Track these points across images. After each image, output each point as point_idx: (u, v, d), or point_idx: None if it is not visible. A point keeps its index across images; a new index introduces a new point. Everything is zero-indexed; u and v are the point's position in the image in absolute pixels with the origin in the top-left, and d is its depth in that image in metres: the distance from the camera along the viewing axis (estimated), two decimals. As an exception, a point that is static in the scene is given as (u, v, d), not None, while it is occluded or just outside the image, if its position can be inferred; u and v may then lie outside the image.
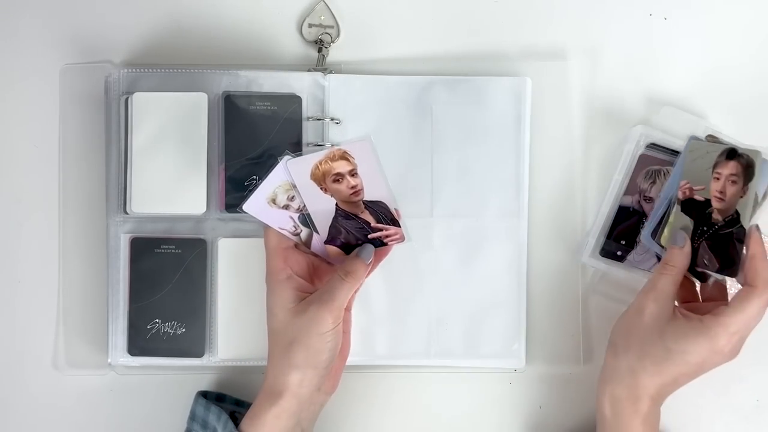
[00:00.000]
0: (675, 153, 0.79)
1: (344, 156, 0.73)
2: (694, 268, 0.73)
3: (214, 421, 0.76)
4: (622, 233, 0.80)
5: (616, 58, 0.84)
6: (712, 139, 0.74)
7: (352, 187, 0.74)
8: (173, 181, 0.79)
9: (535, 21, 0.84)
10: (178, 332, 0.80)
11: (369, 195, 0.74)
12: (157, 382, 0.83)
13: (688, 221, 0.73)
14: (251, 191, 0.73)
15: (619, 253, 0.80)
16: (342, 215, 0.74)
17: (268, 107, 0.80)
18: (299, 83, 0.81)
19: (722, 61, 0.84)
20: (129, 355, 0.80)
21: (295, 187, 0.73)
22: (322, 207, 0.74)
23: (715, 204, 0.72)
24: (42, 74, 0.83)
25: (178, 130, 0.80)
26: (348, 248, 0.75)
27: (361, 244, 0.74)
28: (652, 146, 0.80)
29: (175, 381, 0.83)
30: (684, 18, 0.85)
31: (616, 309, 0.83)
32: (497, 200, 0.81)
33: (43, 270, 0.83)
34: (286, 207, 0.74)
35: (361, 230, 0.74)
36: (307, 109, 0.81)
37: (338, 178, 0.73)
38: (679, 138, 0.80)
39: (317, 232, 0.74)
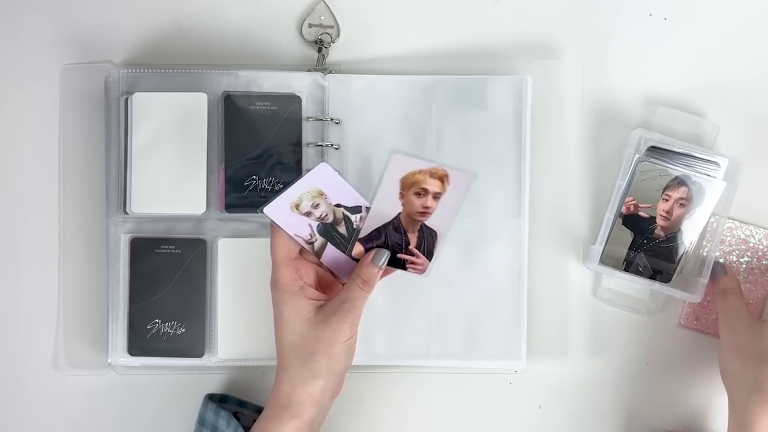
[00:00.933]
0: (676, 154, 0.79)
1: (443, 178, 0.72)
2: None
3: (224, 427, 0.76)
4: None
5: (616, 58, 0.84)
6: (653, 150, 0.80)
7: (425, 207, 0.73)
8: (173, 181, 0.79)
9: (535, 21, 0.84)
10: (178, 332, 0.80)
11: (431, 221, 0.73)
12: (157, 382, 0.83)
13: (628, 234, 0.80)
14: (275, 194, 0.72)
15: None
16: (395, 226, 0.73)
17: (268, 107, 0.80)
18: (299, 83, 0.81)
19: (722, 61, 0.84)
20: (129, 355, 0.80)
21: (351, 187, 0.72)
22: (386, 209, 0.73)
23: (660, 222, 0.80)
24: (42, 74, 0.83)
25: (178, 130, 0.80)
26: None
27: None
28: (652, 149, 0.80)
29: (175, 381, 0.83)
30: (684, 18, 0.85)
31: (617, 310, 0.83)
32: (498, 200, 0.81)
33: (43, 270, 0.83)
34: (308, 214, 0.73)
35: (398, 245, 0.74)
36: (307, 109, 0.81)
37: (421, 192, 0.72)
38: (678, 139, 0.80)
39: (344, 246, 0.73)
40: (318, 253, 0.73)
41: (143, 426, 0.83)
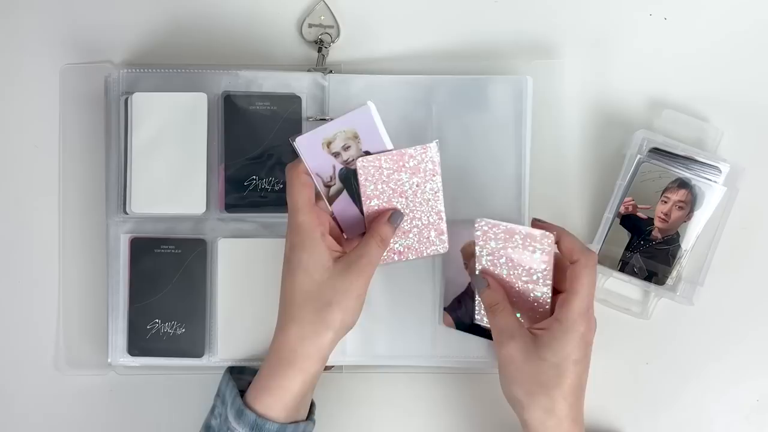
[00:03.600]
0: (677, 157, 0.79)
1: None
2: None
3: (224, 387, 0.75)
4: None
5: (616, 58, 0.84)
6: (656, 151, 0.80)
7: None
8: (173, 181, 0.79)
9: (535, 21, 0.84)
10: (178, 332, 0.80)
11: None
12: (156, 382, 0.83)
13: (625, 234, 0.80)
14: (311, 127, 0.70)
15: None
16: (470, 295, 0.79)
17: (268, 107, 0.81)
18: (299, 83, 0.81)
19: (722, 62, 0.84)
20: (129, 355, 0.80)
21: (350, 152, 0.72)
22: (458, 278, 0.77)
23: (657, 223, 0.80)
24: (42, 74, 0.83)
25: (178, 130, 0.80)
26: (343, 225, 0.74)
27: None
28: (654, 151, 0.80)
29: (174, 381, 0.83)
30: (684, 18, 0.85)
31: (615, 311, 0.83)
32: (498, 200, 0.81)
33: (43, 270, 0.83)
34: (336, 155, 0.71)
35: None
36: (307, 108, 0.81)
37: None
38: (681, 141, 0.80)
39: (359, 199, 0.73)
40: (330, 200, 0.72)
41: (143, 426, 0.83)
